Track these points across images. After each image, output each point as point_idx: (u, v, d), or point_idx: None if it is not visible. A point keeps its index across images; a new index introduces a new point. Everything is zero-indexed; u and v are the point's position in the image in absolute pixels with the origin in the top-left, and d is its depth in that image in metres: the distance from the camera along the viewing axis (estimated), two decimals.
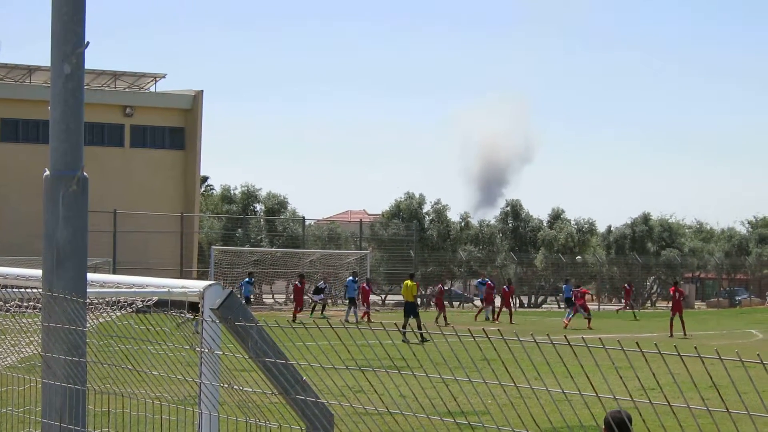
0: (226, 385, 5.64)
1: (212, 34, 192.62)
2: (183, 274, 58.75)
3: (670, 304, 44.38)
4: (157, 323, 5.76)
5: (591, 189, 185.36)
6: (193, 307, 6.34)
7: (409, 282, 39.22)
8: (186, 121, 66.12)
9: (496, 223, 76.88)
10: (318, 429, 5.42)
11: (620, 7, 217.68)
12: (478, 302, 60.48)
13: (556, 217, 77.62)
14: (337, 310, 56.30)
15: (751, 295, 77.57)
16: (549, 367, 4.42)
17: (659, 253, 76.21)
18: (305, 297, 52.59)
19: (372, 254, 62.05)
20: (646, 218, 78.46)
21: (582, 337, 3.82)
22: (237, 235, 67.05)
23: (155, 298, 6.85)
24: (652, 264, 75.41)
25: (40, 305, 6.23)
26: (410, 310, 38.03)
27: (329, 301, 63.60)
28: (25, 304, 7.09)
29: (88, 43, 6.09)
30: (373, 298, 65.91)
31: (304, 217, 68.41)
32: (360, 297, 49.91)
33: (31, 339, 7.39)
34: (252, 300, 54.21)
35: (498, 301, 52.89)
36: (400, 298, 63.48)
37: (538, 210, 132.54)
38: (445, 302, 51.42)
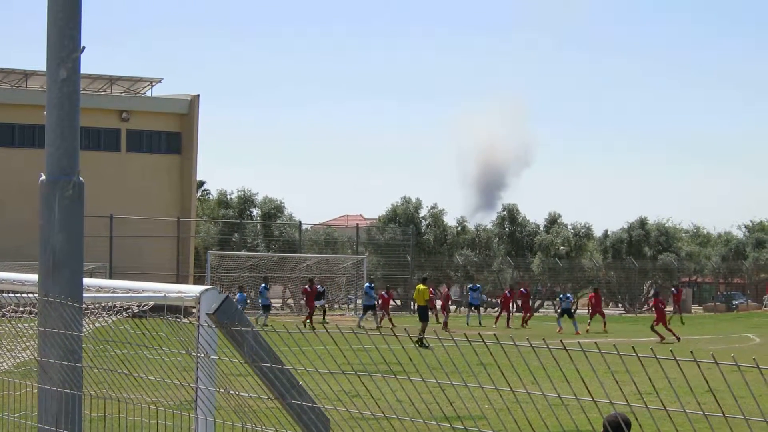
0: (223, 390, 5.64)
1: (208, 39, 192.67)
2: (179, 279, 58.72)
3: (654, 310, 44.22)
4: (153, 328, 5.75)
5: (587, 193, 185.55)
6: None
7: (421, 286, 39.57)
8: (182, 126, 66.10)
9: (493, 228, 76.88)
10: None
11: (618, 12, 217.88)
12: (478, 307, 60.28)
13: (553, 221, 77.64)
14: (333, 315, 56.26)
15: (748, 300, 77.56)
16: (545, 372, 4.42)
17: (656, 258, 76.21)
18: (321, 302, 52.46)
19: (368, 259, 62.00)
20: (642, 222, 78.46)
21: (578, 342, 3.82)
22: (233, 239, 67.03)
23: (151, 303, 6.84)
24: (648, 268, 75.40)
25: (36, 310, 6.22)
26: (422, 313, 38.38)
27: (326, 305, 63.59)
28: (21, 308, 7.08)
29: (83, 47, 6.08)
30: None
31: (300, 222, 68.40)
32: (380, 303, 49.87)
33: (28, 344, 7.38)
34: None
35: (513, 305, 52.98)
36: (399, 302, 63.56)
37: (534, 214, 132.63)
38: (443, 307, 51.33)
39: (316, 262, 61.85)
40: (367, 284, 49.83)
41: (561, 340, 4.11)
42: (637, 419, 4.68)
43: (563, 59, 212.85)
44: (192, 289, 6.46)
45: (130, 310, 6.94)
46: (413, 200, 73.13)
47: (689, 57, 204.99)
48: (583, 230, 76.56)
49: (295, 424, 5.50)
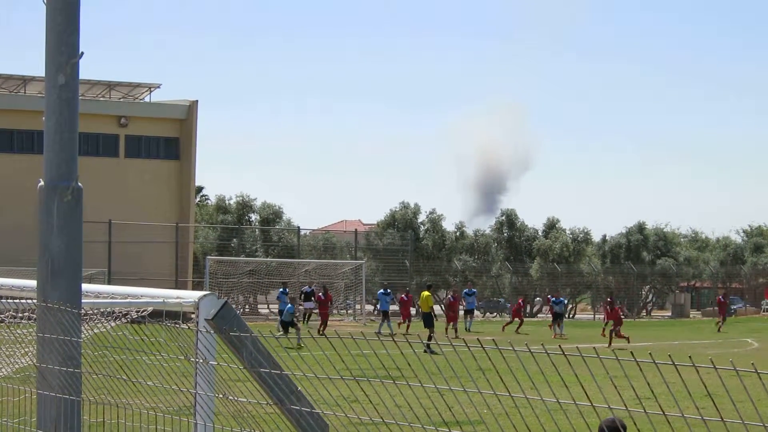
0: (221, 396, 5.63)
1: (207, 44, 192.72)
2: (178, 285, 58.63)
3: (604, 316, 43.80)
4: (151, 333, 5.75)
5: (586, 198, 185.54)
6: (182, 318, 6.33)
7: (425, 293, 40.42)
8: (181, 132, 66.08)
9: (492, 233, 76.86)
10: None
11: (616, 18, 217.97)
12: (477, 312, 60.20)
13: (551, 226, 77.63)
14: (332, 320, 56.16)
15: (746, 304, 77.57)
16: (544, 377, 4.42)
17: (654, 263, 76.21)
18: (301, 306, 52.18)
19: (367, 264, 61.97)
20: (641, 227, 78.46)
21: (576, 347, 3.82)
22: (232, 245, 66.99)
23: (150, 309, 6.84)
24: (647, 273, 75.41)
25: (35, 316, 6.22)
26: (427, 320, 38.80)
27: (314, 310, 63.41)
28: (20, 314, 7.08)
29: (82, 53, 6.09)
30: (368, 308, 65.85)
31: (299, 227, 68.37)
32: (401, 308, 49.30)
33: (26, 350, 7.38)
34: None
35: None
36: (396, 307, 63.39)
37: (533, 219, 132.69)
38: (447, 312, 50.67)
39: (315, 268, 61.81)
40: (381, 291, 48.73)
41: (560, 345, 4.12)
42: (636, 424, 4.68)
43: (561, 65, 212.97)
44: (190, 295, 6.46)
45: (128, 316, 6.94)
46: (412, 205, 73.15)
47: (688, 62, 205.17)
48: (581, 235, 76.57)
49: (294, 429, 5.50)
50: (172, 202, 65.24)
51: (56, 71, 6.05)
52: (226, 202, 72.51)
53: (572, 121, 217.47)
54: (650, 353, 3.87)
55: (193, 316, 6.28)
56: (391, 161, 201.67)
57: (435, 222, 73.35)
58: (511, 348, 3.96)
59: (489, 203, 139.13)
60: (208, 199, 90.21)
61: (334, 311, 62.51)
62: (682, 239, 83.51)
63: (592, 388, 5.07)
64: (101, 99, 65.39)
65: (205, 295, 6.26)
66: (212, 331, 5.54)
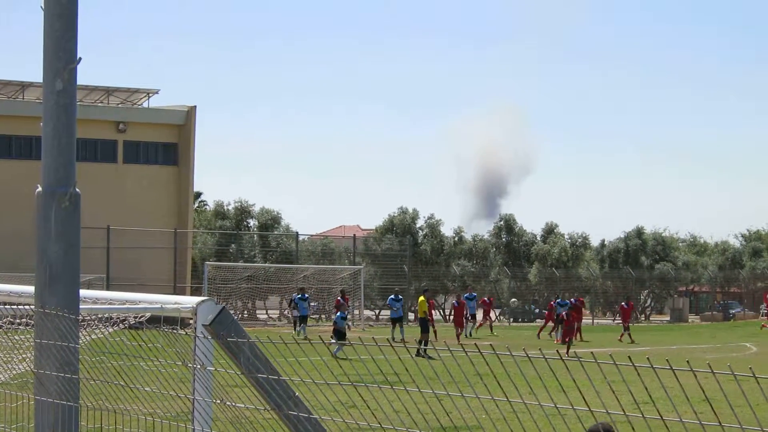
0: (219, 401, 5.63)
1: (205, 50, 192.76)
2: (176, 290, 58.64)
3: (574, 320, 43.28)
4: (149, 339, 5.75)
5: (584, 203, 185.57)
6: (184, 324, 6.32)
7: (420, 298, 41.75)
8: (179, 137, 66.07)
9: (490, 238, 76.85)
10: None
11: (617, 21, 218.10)
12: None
13: (550, 231, 77.63)
14: (330, 326, 56.10)
15: (745, 309, 77.58)
16: (541, 382, 4.42)
17: (653, 267, 76.21)
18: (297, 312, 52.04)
19: (366, 269, 61.97)
20: (639, 232, 78.46)
21: (574, 352, 3.82)
22: (230, 250, 66.97)
23: (148, 314, 6.84)
24: (645, 278, 75.40)
25: (32, 322, 6.21)
26: (422, 325, 39.38)
27: (323, 316, 63.50)
28: (17, 320, 7.07)
29: (80, 59, 6.09)
30: (367, 313, 65.84)
31: (297, 233, 68.35)
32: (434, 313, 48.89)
33: (24, 356, 7.37)
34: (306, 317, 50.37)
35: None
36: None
37: (531, 224, 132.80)
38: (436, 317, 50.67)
39: (313, 273, 61.82)
40: (391, 297, 47.67)
41: (557, 350, 4.11)
42: (633, 429, 4.68)
43: (559, 69, 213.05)
44: (189, 301, 6.46)
45: (126, 322, 6.93)
46: (410, 210, 73.16)
47: (688, 66, 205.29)
48: (580, 240, 76.56)
49: None
50: (170, 208, 65.22)
51: (54, 77, 6.05)
52: (225, 207, 72.49)
53: (569, 125, 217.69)
54: (648, 358, 3.87)
55: (191, 321, 6.28)
56: (390, 166, 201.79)
57: (433, 227, 73.35)
58: (508, 353, 3.95)
59: (489, 207, 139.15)
60: (206, 204, 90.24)
61: (332, 317, 62.40)
62: (680, 244, 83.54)
63: (589, 393, 5.06)
64: (99, 105, 65.38)
65: (203, 301, 6.26)
66: (210, 337, 5.53)
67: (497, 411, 4.22)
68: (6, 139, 62.12)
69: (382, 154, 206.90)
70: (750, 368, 3.52)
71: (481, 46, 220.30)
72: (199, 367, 5.70)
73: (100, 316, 6.98)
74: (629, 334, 46.51)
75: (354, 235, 71.20)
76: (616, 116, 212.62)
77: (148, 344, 5.67)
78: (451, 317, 56.82)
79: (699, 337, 49.74)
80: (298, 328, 47.78)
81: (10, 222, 57.33)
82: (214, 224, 71.11)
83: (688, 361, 3.69)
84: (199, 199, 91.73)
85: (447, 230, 75.10)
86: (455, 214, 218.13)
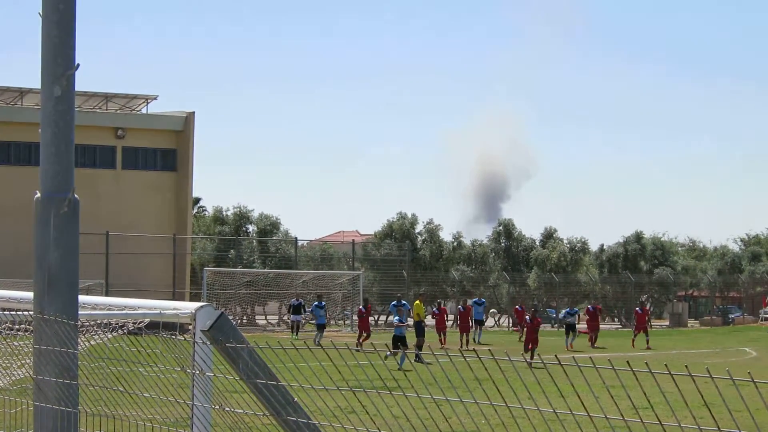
0: (218, 407, 5.63)
1: (204, 56, 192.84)
2: (175, 296, 58.61)
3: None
4: (148, 345, 5.75)
5: (583, 208, 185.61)
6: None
7: (416, 302, 42.48)
8: (178, 143, 66.05)
9: (489, 243, 76.82)
10: None
11: (615, 22, 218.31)
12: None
13: (549, 236, 77.61)
14: (329, 331, 56.12)
15: (744, 313, 77.57)
16: (540, 387, 4.42)
17: (652, 272, 76.18)
18: (299, 317, 51.98)
19: (365, 275, 61.95)
20: (638, 237, 78.45)
21: (573, 357, 3.82)
22: (229, 256, 66.94)
23: (147, 320, 6.83)
24: (644, 282, 75.36)
25: (31, 327, 6.21)
26: (418, 329, 39.39)
27: (304, 320, 63.35)
28: (16, 326, 7.07)
29: (78, 65, 6.09)
30: None
31: (296, 238, 68.33)
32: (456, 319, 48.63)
33: (23, 361, 7.36)
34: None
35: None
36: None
37: (530, 229, 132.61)
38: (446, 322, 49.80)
39: (312, 279, 61.80)
40: (393, 303, 47.49)
41: (556, 355, 4.11)
42: None
43: (558, 74, 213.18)
44: (187, 306, 6.46)
45: (125, 328, 6.93)
46: (409, 216, 73.12)
47: (688, 67, 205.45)
48: (579, 245, 76.54)
49: None
50: (169, 214, 65.19)
51: (52, 83, 6.05)
52: (224, 213, 72.46)
53: (569, 130, 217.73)
54: (647, 362, 3.87)
55: (190, 327, 6.28)
56: (389, 170, 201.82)
57: (432, 232, 73.32)
58: (507, 358, 3.95)
59: (490, 211, 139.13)
60: (205, 210, 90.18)
61: (332, 322, 62.43)
62: (679, 248, 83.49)
63: (588, 398, 5.06)
64: (98, 111, 65.36)
65: (201, 306, 6.26)
66: (209, 343, 5.53)
67: (496, 416, 4.22)
68: (5, 146, 62.10)
69: (381, 158, 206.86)
70: (749, 373, 3.52)
71: (481, 50, 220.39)
72: (198, 372, 5.70)
73: (99, 321, 6.97)
74: (647, 340, 45.79)
75: (353, 240, 71.19)
76: (614, 121, 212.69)
77: (147, 350, 5.67)
78: (456, 323, 56.65)
79: (698, 342, 49.70)
80: (314, 338, 46.62)
81: (9, 228, 57.30)
82: (213, 230, 71.08)
83: (687, 366, 3.69)
84: (198, 205, 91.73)
85: (446, 235, 75.14)
86: (454, 220, 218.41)
